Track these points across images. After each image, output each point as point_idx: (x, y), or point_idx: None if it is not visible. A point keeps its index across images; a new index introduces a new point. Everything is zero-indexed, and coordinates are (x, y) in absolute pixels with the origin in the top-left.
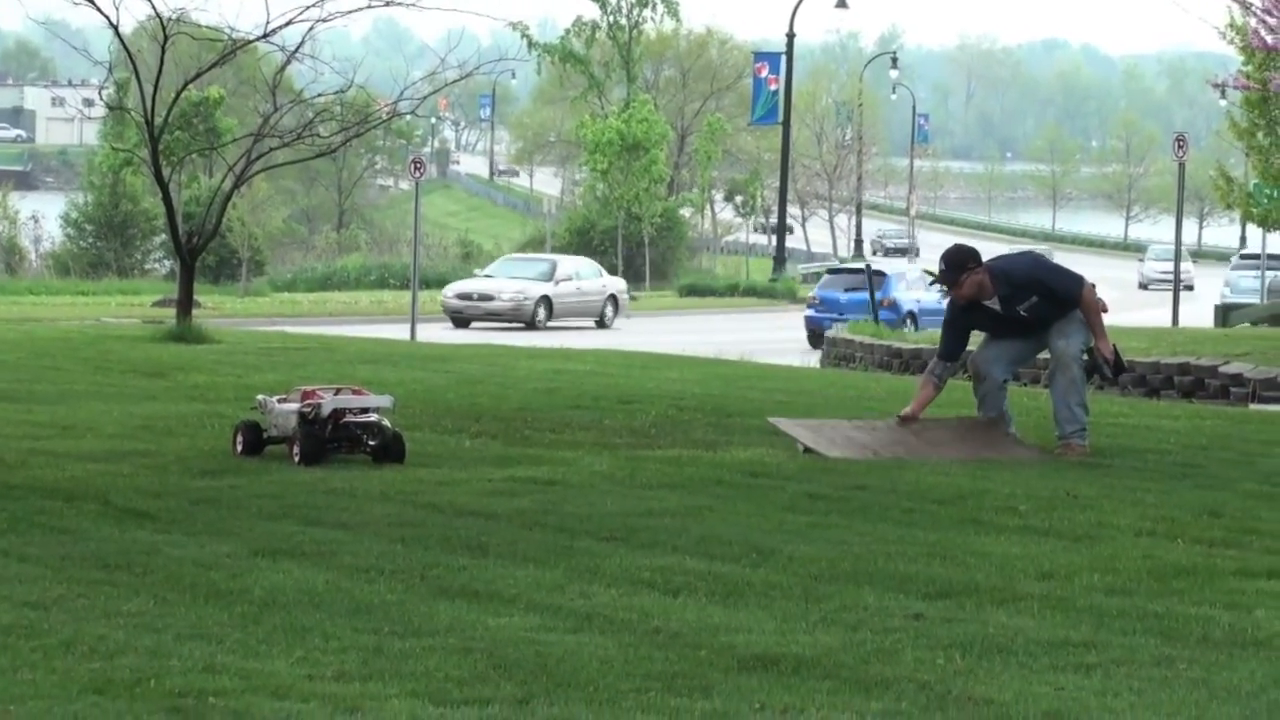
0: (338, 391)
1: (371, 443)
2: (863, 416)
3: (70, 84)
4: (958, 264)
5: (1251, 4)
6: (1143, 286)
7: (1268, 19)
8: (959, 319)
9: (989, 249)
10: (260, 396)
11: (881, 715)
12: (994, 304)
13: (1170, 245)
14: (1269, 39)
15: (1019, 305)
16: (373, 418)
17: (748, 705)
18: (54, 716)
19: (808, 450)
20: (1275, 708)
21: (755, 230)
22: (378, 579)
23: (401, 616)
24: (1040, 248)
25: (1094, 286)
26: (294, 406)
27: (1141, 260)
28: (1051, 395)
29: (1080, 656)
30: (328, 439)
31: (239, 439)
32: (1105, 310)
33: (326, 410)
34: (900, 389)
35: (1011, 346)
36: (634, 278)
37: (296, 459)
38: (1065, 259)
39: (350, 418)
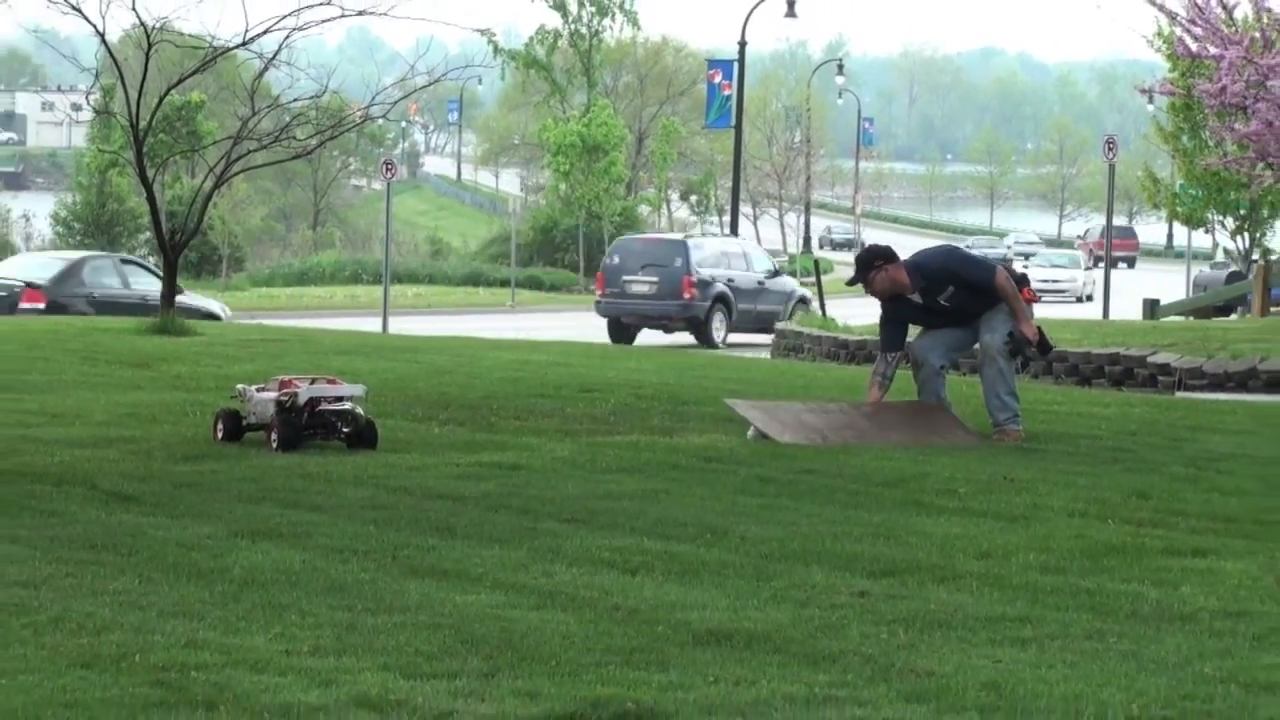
0: (313, 381)
1: (345, 430)
2: (815, 398)
3: (59, 89)
4: (864, 264)
5: (1177, 14)
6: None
7: (1192, 29)
8: (889, 313)
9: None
10: (239, 386)
11: (829, 687)
12: (916, 297)
13: (1035, 243)
14: (1193, 47)
15: (938, 296)
16: (346, 406)
17: (702, 678)
18: (44, 689)
19: (760, 435)
20: (1200, 679)
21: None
22: (351, 559)
23: (374, 594)
24: (998, 249)
25: (1013, 273)
26: (272, 395)
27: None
28: (982, 386)
29: (1016, 631)
30: (304, 426)
31: (219, 426)
32: (1036, 299)
33: (303, 399)
34: (846, 378)
35: (948, 335)
36: (595, 273)
37: (274, 445)
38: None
39: (325, 406)
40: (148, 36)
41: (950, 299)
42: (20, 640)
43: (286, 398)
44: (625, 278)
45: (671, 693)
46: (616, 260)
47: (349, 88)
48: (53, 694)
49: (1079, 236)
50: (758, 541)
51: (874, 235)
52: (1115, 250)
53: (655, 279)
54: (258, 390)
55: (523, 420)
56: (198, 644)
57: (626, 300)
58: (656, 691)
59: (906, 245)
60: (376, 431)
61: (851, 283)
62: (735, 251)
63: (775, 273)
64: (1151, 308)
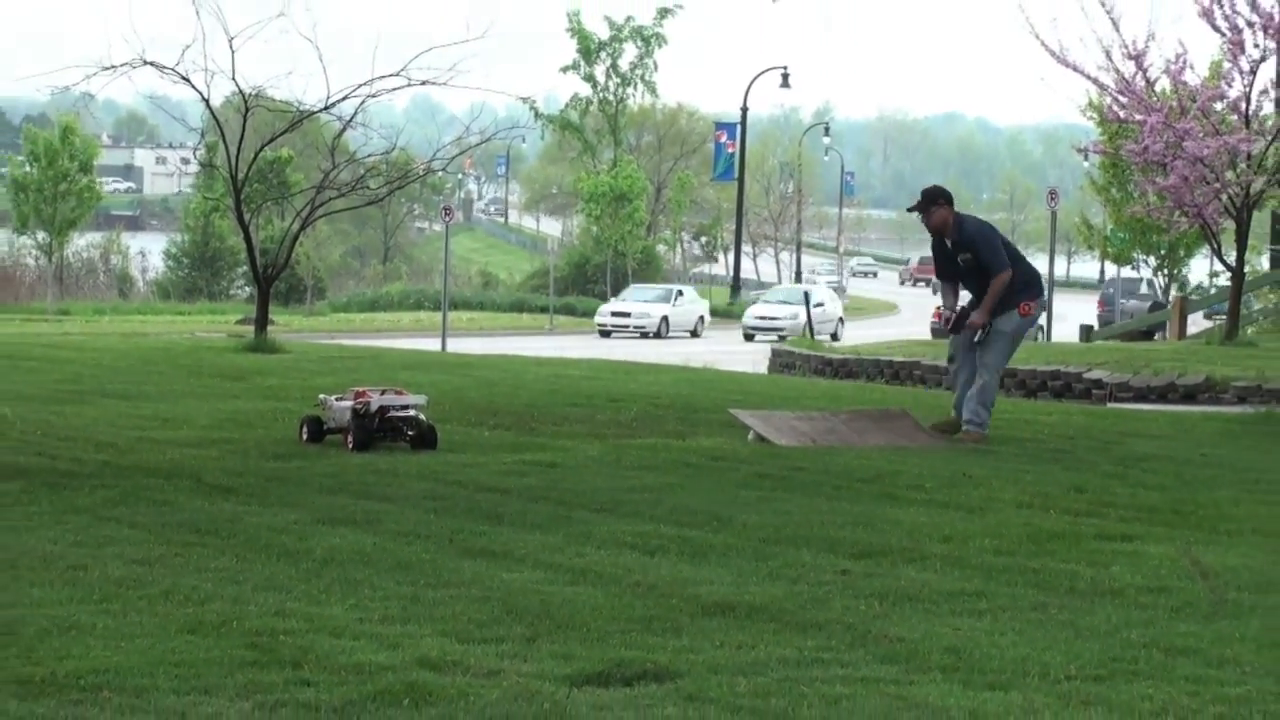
0: (384, 392)
1: (410, 433)
2: (804, 409)
3: (170, 146)
4: (928, 198)
5: (1107, 86)
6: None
7: (1120, 98)
8: (935, 247)
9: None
10: (322, 395)
11: (816, 650)
12: (949, 242)
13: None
14: (1121, 114)
15: (960, 254)
16: (411, 413)
17: (710, 643)
18: (156, 651)
19: (759, 438)
20: (1127, 644)
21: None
22: (415, 541)
23: (434, 571)
24: None
25: (1032, 283)
26: (348, 404)
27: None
28: (970, 390)
29: (974, 604)
30: (375, 430)
31: (304, 430)
32: (1029, 314)
33: (374, 407)
34: (831, 390)
35: (969, 340)
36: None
37: (350, 446)
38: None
39: (393, 413)
40: (245, 102)
41: (965, 262)
42: (136, 609)
43: (361, 406)
44: None
45: (684, 655)
46: None
47: (414, 145)
48: (164, 655)
49: (904, 263)
50: (757, 528)
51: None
52: (924, 274)
53: None
54: (336, 399)
55: (559, 425)
56: (285, 613)
57: None
58: (671, 654)
59: (884, 278)
60: (437, 434)
61: (911, 209)
62: None
63: None
64: (1086, 333)
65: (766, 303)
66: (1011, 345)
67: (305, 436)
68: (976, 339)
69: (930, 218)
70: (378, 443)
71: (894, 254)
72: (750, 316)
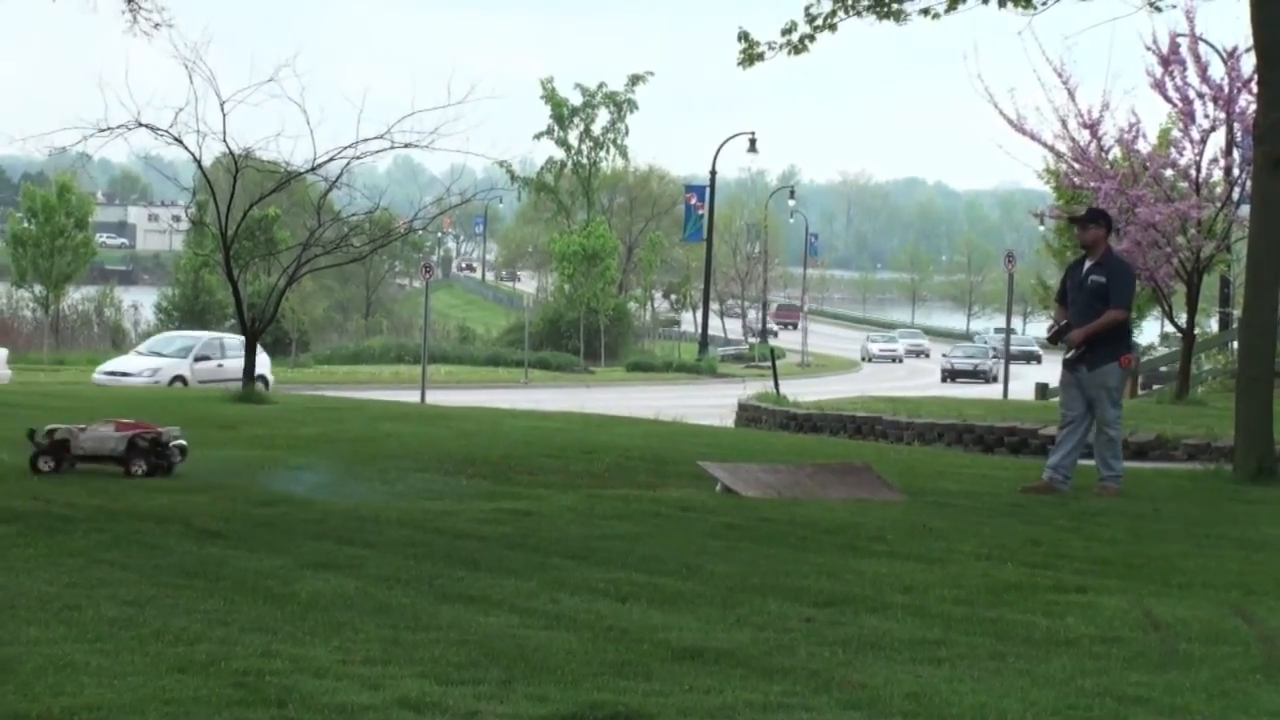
0: (124, 425)
1: (178, 459)
2: (770, 462)
3: (163, 204)
4: (1092, 216)
5: (1062, 154)
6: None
7: (1075, 165)
8: (1069, 270)
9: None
10: (52, 425)
11: (781, 696)
12: (1087, 263)
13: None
14: (1076, 180)
15: (1094, 275)
16: (181, 442)
17: (679, 687)
18: (147, 689)
19: (726, 490)
20: (1081, 692)
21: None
22: (395, 586)
23: (414, 615)
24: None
25: (1126, 341)
26: (116, 432)
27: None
28: (1094, 448)
29: (933, 652)
30: (157, 456)
31: (42, 463)
32: (1131, 365)
33: (166, 438)
34: (795, 444)
35: (1078, 401)
36: (593, 356)
37: (141, 472)
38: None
39: (169, 441)
40: (235, 163)
41: (1089, 285)
42: (128, 649)
43: (148, 437)
44: None
45: (654, 698)
46: None
47: (396, 205)
48: (154, 693)
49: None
50: (724, 576)
51: (817, 329)
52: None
53: None
54: (80, 429)
55: (534, 475)
56: (271, 654)
57: None
58: (642, 697)
59: (846, 336)
60: (185, 457)
61: (1073, 219)
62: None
63: None
64: (1042, 390)
65: (139, 354)
66: (1118, 395)
67: (50, 468)
68: (1068, 355)
69: (1086, 231)
70: (155, 465)
71: (855, 313)
72: (100, 372)
